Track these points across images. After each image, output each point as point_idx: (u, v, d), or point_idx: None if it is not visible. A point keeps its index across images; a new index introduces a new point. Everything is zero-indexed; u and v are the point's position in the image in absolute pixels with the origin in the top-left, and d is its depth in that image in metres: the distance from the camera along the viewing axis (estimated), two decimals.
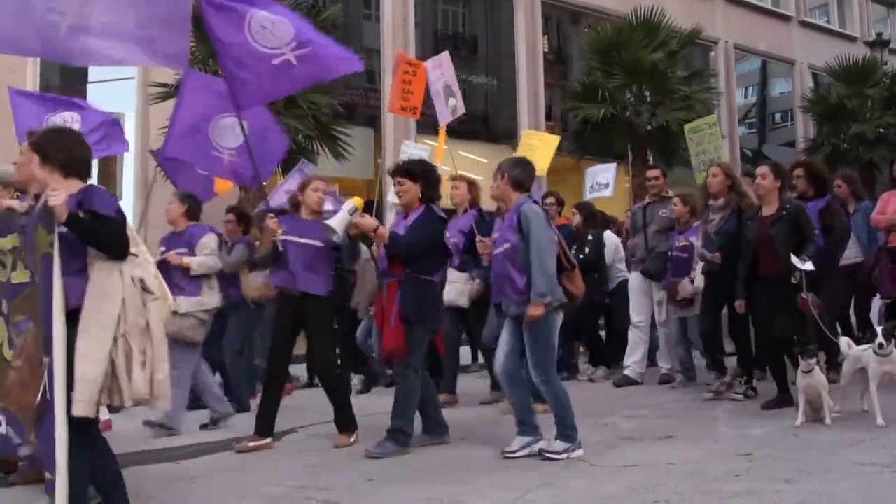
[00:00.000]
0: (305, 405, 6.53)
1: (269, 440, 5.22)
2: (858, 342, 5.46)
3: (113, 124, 6.71)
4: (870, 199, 7.35)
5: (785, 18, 20.04)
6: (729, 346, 6.83)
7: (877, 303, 6.90)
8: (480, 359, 7.99)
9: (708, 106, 13.49)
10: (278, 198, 7.88)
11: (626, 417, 5.76)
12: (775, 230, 5.52)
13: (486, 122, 15.46)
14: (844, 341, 5.41)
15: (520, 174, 4.77)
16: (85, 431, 3.05)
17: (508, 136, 14.73)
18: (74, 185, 3.20)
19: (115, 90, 10.98)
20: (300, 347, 5.48)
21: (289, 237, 5.22)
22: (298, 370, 7.96)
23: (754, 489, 3.68)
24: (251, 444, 5.16)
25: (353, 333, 7.75)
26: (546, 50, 16.22)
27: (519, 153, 6.89)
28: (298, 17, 5.40)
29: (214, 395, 6.06)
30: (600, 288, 8.00)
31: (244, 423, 5.76)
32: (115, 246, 3.11)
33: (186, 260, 5.66)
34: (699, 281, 6.51)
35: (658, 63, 12.56)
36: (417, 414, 5.05)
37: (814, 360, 5.05)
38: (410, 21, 14.16)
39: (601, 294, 8.04)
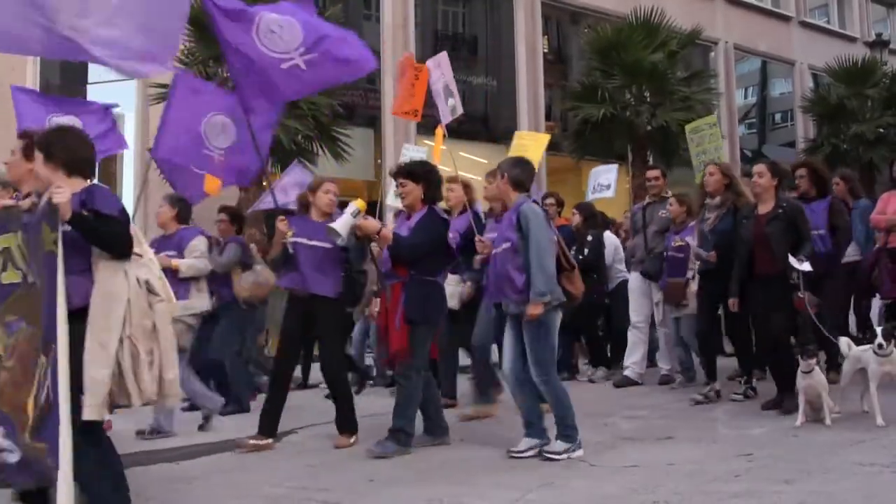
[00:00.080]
0: (303, 406, 6.53)
1: (270, 441, 5.23)
2: (858, 342, 5.46)
3: (108, 118, 6.65)
4: (867, 198, 7.36)
5: (785, 19, 20.04)
6: (728, 347, 6.83)
7: (877, 303, 6.90)
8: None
9: (708, 106, 13.49)
10: (270, 199, 7.85)
11: (626, 418, 5.76)
12: (771, 228, 5.51)
13: (485, 123, 15.45)
14: (844, 342, 5.41)
15: (519, 174, 4.78)
16: (90, 433, 3.05)
17: (508, 136, 14.57)
18: (78, 184, 3.20)
19: (115, 91, 10.95)
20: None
21: (299, 239, 5.23)
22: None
23: (754, 489, 3.68)
24: (252, 441, 5.16)
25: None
26: (546, 50, 16.22)
27: (511, 154, 6.89)
28: (310, 16, 5.35)
29: (198, 393, 5.93)
30: (600, 288, 8.00)
31: (244, 423, 5.76)
32: (119, 245, 3.11)
33: (175, 262, 5.64)
34: (694, 281, 6.50)
35: (658, 63, 12.55)
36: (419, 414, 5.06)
37: (814, 361, 5.06)
38: (410, 21, 14.16)
39: (601, 294, 8.04)
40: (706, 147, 8.70)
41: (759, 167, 5.77)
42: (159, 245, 5.87)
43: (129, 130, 11.27)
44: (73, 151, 3.27)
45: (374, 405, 6.22)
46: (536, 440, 4.66)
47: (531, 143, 8.54)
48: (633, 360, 7.43)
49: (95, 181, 3.36)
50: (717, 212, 6.12)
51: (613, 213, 10.22)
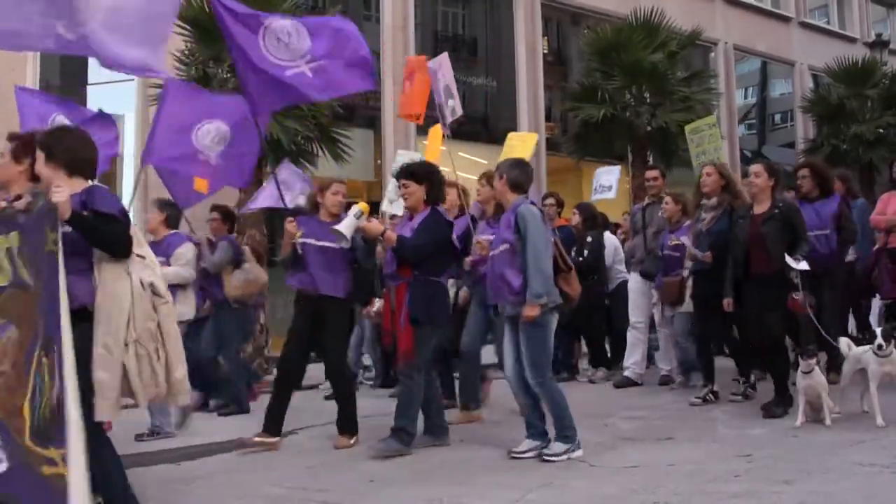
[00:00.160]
0: (302, 406, 6.50)
1: (277, 439, 5.23)
2: (858, 343, 5.47)
3: (96, 121, 6.63)
4: (864, 198, 7.37)
5: (785, 19, 20.03)
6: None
7: (877, 303, 6.90)
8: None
9: (708, 107, 13.47)
10: (263, 199, 7.85)
11: (626, 418, 5.76)
12: (767, 228, 5.50)
13: (485, 124, 15.44)
14: (844, 342, 5.42)
15: (518, 175, 4.78)
16: (98, 433, 3.06)
17: None
18: (78, 185, 3.20)
19: (115, 91, 10.97)
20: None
21: (307, 239, 5.26)
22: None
23: (754, 490, 3.68)
24: (258, 440, 5.17)
25: None
26: (546, 51, 16.21)
27: (503, 156, 6.90)
28: (322, 27, 5.36)
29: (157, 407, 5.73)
30: (600, 289, 8.01)
31: (244, 424, 5.77)
32: (119, 245, 3.11)
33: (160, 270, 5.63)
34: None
35: (658, 64, 12.54)
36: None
37: (814, 361, 5.06)
38: (410, 22, 14.15)
39: (601, 295, 8.05)
40: (706, 148, 8.70)
41: (755, 167, 5.77)
42: None
43: (129, 131, 11.27)
44: (75, 152, 3.28)
45: (374, 406, 6.21)
46: (538, 441, 4.66)
47: (519, 144, 8.58)
48: (633, 360, 7.44)
49: (96, 182, 3.36)
50: (713, 212, 6.10)
51: (613, 213, 10.22)
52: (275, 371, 6.18)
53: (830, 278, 6.45)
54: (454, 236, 5.31)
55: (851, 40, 20.91)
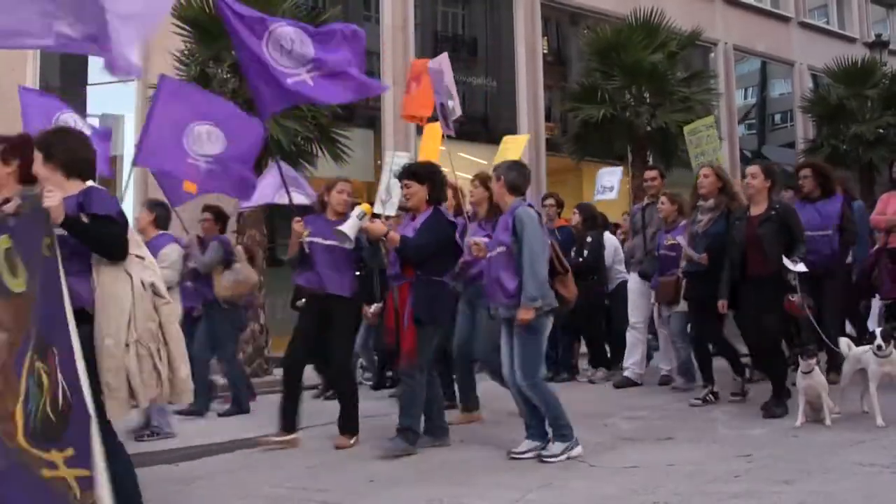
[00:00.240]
0: (302, 406, 6.51)
1: (294, 436, 5.26)
2: (857, 343, 5.46)
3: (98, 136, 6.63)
4: (863, 200, 7.37)
5: (784, 19, 20.04)
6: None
7: (877, 303, 6.90)
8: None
9: (707, 107, 13.47)
10: (254, 198, 7.80)
11: (626, 418, 5.76)
12: (764, 230, 5.49)
13: (485, 124, 15.44)
14: (844, 342, 5.42)
15: (516, 178, 4.78)
16: (108, 434, 3.06)
17: None
18: (76, 186, 3.18)
19: (115, 92, 10.97)
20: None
21: (314, 238, 5.27)
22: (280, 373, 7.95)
23: (754, 490, 3.68)
24: (276, 439, 5.21)
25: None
26: (545, 51, 16.21)
27: (497, 159, 6.90)
28: (328, 35, 5.37)
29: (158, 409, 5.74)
30: (600, 289, 8.02)
31: (244, 424, 5.77)
32: (115, 247, 3.09)
33: None
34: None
35: (658, 64, 12.54)
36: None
37: (814, 361, 5.06)
38: (410, 23, 14.15)
39: (601, 295, 8.05)
40: (704, 149, 8.72)
41: (751, 169, 5.76)
42: None
43: (129, 131, 11.27)
44: (73, 152, 3.25)
45: (367, 407, 6.20)
46: (537, 442, 4.66)
47: (511, 146, 8.61)
48: (633, 360, 7.44)
49: (94, 183, 3.35)
50: (710, 214, 6.07)
51: (613, 213, 10.22)
52: (276, 371, 6.20)
53: (831, 279, 6.45)
54: (458, 236, 5.32)
55: (851, 40, 20.92)
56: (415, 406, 4.97)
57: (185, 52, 9.75)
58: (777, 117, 21.25)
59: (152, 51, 8.99)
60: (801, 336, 6.18)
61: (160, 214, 6.04)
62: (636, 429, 5.42)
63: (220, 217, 7.12)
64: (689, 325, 6.59)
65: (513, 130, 14.43)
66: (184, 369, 3.18)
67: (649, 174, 7.57)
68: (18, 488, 2.85)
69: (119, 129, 11.15)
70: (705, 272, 5.90)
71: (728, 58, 18.51)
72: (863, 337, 5.81)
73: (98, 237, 3.06)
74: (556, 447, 4.53)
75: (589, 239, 7.83)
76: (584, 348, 8.42)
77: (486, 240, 5.05)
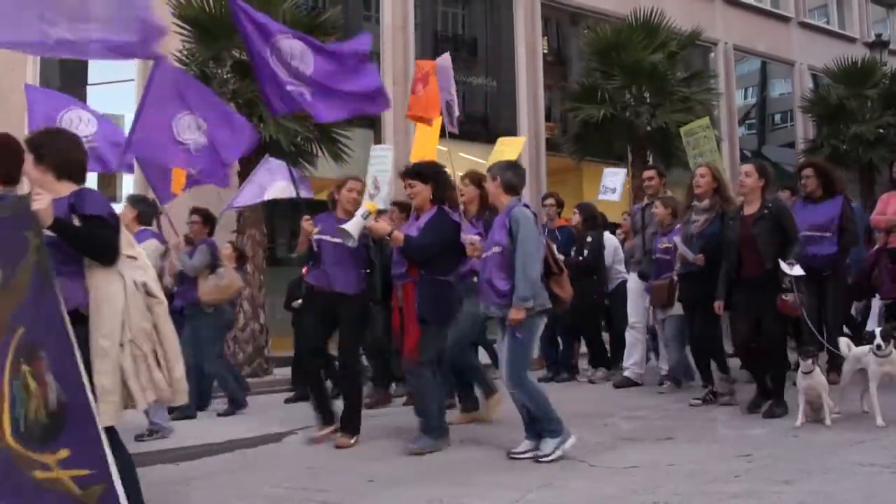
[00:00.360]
0: (303, 407, 6.52)
1: (335, 426, 5.33)
2: (857, 344, 5.46)
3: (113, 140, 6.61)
4: (863, 200, 7.37)
5: (784, 19, 20.05)
6: (729, 348, 6.81)
7: (877, 303, 6.90)
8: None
9: (707, 107, 13.47)
10: (244, 197, 7.79)
11: (626, 418, 5.76)
12: (757, 229, 5.46)
13: (485, 124, 15.45)
14: (844, 342, 5.41)
15: (511, 177, 4.77)
16: (108, 435, 3.05)
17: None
18: (67, 188, 3.15)
19: (115, 92, 10.98)
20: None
21: (323, 236, 5.29)
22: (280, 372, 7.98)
23: (754, 490, 3.68)
24: (319, 434, 5.33)
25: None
26: (545, 51, 16.22)
27: (492, 159, 6.88)
28: (332, 53, 5.38)
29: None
30: (600, 289, 8.02)
31: (244, 424, 5.77)
32: (106, 249, 3.04)
33: None
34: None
35: (658, 64, 12.54)
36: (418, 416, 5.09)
37: (813, 361, 5.05)
38: (410, 23, 14.16)
39: (601, 295, 8.05)
40: (703, 150, 8.72)
41: (746, 167, 5.75)
42: None
43: (129, 131, 11.25)
44: (65, 154, 3.21)
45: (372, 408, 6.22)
46: (537, 442, 4.65)
47: (508, 148, 8.61)
48: (633, 360, 7.44)
49: (86, 185, 3.30)
50: (705, 215, 6.03)
51: (613, 213, 10.22)
52: (276, 371, 6.20)
53: (833, 280, 6.44)
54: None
55: (851, 40, 20.92)
56: (427, 402, 5.00)
57: (185, 52, 9.75)
58: (777, 117, 21.26)
59: None
60: (802, 336, 6.17)
61: (143, 211, 6.01)
62: (636, 429, 5.42)
63: (208, 220, 7.06)
64: (685, 329, 6.55)
65: (513, 130, 14.45)
66: (178, 369, 3.16)
67: (647, 174, 7.57)
68: (7, 488, 2.81)
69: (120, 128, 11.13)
70: (700, 273, 5.88)
71: (728, 58, 18.52)
72: (853, 337, 5.79)
73: (89, 239, 3.02)
74: (547, 445, 4.52)
75: (589, 239, 7.83)
76: (584, 348, 8.44)
77: (475, 237, 5.05)
